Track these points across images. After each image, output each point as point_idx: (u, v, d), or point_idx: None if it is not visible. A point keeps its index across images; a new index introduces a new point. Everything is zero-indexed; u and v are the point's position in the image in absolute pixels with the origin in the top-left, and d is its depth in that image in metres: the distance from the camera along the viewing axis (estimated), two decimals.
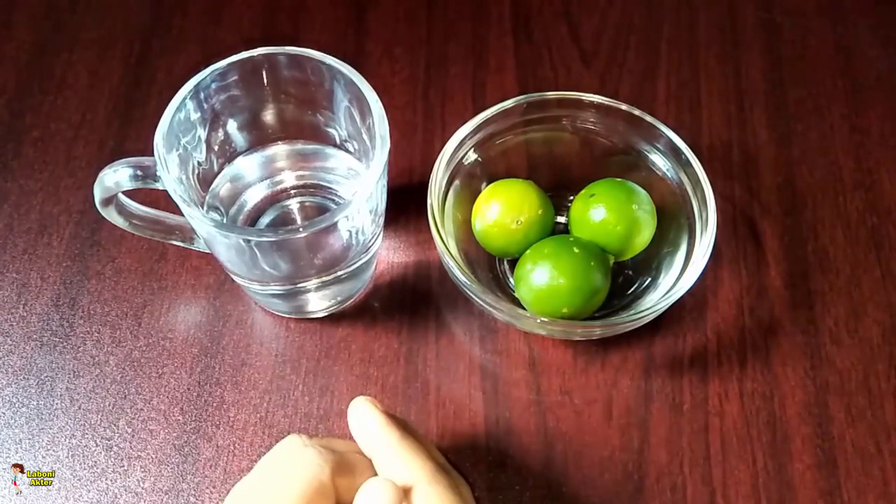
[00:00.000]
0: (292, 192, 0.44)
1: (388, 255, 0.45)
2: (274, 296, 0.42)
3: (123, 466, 0.39)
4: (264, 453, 0.40)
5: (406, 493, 0.30)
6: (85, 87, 0.51)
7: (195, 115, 0.37)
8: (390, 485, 0.29)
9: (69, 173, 0.48)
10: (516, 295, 0.42)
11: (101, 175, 0.36)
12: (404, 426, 0.34)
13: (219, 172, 0.41)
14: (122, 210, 0.39)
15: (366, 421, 0.33)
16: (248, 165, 0.42)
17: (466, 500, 0.32)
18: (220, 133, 0.40)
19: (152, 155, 0.35)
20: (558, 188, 0.45)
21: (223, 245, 0.36)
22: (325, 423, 0.40)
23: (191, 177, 0.38)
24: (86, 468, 0.39)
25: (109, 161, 0.36)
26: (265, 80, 0.39)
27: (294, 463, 0.30)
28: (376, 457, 0.32)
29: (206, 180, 0.40)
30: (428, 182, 0.41)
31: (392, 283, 0.45)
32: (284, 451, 0.32)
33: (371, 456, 0.32)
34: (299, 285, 0.40)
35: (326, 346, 0.43)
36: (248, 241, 0.34)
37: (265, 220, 0.43)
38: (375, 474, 0.32)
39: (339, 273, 0.40)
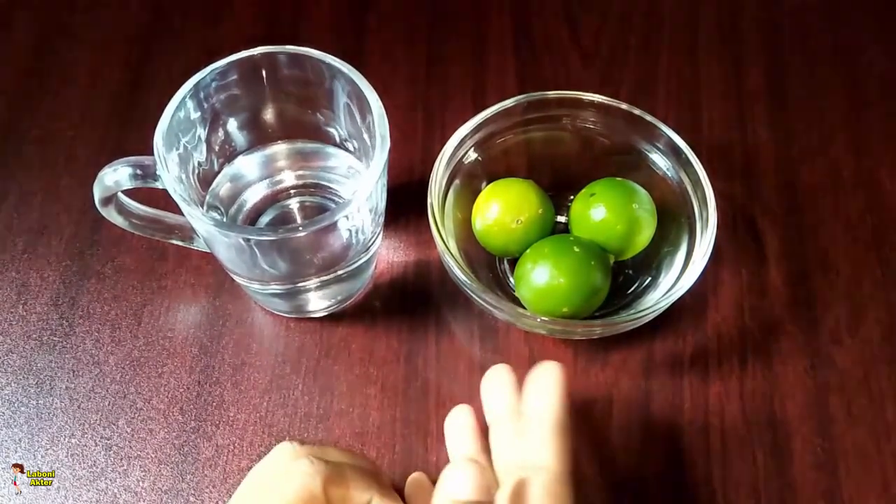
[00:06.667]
0: (292, 191, 0.44)
1: (389, 255, 0.45)
2: (274, 295, 0.42)
3: (123, 466, 0.39)
4: (264, 453, 0.40)
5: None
6: (85, 87, 0.51)
7: (195, 115, 0.37)
8: (474, 465, 0.28)
9: (69, 173, 0.48)
10: (516, 294, 0.42)
11: (100, 174, 0.36)
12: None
13: (219, 172, 0.41)
14: (121, 209, 0.39)
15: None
16: (248, 165, 0.42)
17: None
18: (220, 132, 0.40)
19: (152, 155, 0.35)
20: (558, 187, 0.45)
21: (223, 244, 0.36)
22: (325, 423, 0.40)
23: (191, 176, 0.38)
24: (85, 468, 0.39)
25: (109, 161, 0.36)
26: (265, 80, 0.39)
27: (285, 473, 0.30)
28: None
29: (205, 180, 0.40)
30: (428, 181, 0.41)
31: (392, 283, 0.45)
32: (275, 460, 0.31)
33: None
34: (299, 284, 0.40)
35: (326, 345, 0.43)
36: (248, 240, 0.34)
37: (265, 219, 0.43)
38: (370, 486, 0.31)
39: (339, 272, 0.40)
